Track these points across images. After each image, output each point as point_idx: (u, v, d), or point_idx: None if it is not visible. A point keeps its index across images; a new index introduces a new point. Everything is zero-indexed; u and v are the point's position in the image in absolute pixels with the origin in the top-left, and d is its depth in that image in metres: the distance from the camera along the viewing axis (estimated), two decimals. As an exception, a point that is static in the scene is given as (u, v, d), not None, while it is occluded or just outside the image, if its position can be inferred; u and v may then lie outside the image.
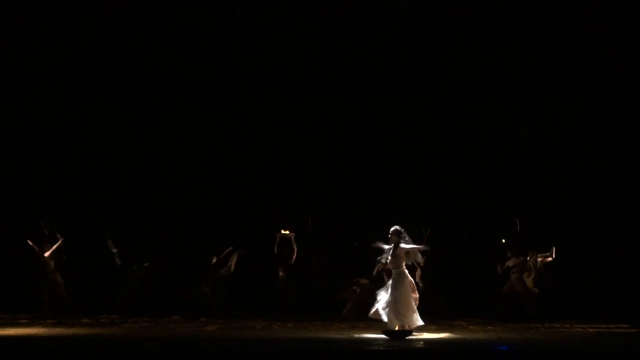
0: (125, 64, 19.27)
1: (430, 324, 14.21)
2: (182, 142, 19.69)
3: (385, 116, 19.67)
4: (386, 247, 12.47)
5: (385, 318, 12.05)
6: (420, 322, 12.04)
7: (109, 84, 19.36)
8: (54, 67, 19.13)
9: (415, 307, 12.09)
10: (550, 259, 16.78)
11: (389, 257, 12.27)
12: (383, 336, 11.87)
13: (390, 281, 12.20)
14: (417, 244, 12.82)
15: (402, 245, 12.22)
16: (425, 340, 11.61)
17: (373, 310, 12.31)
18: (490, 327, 14.06)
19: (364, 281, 16.42)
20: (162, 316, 15.63)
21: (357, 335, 12.30)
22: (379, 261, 12.72)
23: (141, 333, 12.78)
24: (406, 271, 12.27)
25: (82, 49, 19.14)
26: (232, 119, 19.68)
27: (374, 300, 12.39)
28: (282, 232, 17.50)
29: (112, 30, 19.08)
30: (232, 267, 17.09)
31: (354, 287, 16.81)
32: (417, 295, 12.43)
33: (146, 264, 17.19)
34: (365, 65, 19.55)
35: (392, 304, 11.94)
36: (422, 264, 15.30)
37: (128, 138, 19.57)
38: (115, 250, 16.99)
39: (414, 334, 11.92)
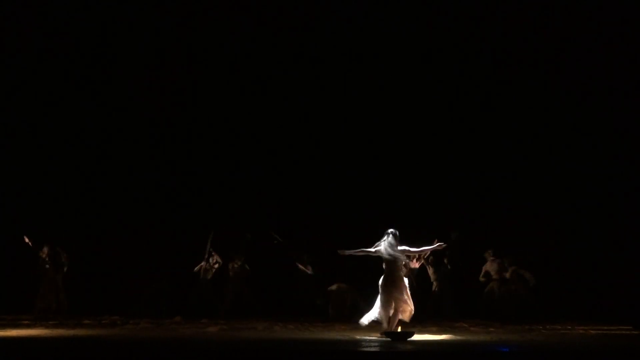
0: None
1: (432, 325, 14.24)
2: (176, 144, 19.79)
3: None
4: (371, 249, 12.14)
5: (384, 320, 12.05)
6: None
7: (108, 89, 19.39)
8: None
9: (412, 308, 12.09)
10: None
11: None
12: (385, 337, 11.88)
13: (386, 285, 12.03)
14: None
15: (406, 247, 12.16)
16: (427, 342, 11.61)
17: (370, 315, 12.27)
18: (491, 329, 14.07)
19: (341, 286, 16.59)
20: (164, 317, 15.65)
21: (358, 337, 12.31)
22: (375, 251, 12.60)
23: (143, 334, 12.79)
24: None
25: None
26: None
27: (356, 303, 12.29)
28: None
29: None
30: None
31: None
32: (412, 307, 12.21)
33: None
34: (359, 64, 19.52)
35: (395, 307, 11.94)
36: (414, 266, 15.33)
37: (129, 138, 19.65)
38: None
39: (415, 335, 11.92)
